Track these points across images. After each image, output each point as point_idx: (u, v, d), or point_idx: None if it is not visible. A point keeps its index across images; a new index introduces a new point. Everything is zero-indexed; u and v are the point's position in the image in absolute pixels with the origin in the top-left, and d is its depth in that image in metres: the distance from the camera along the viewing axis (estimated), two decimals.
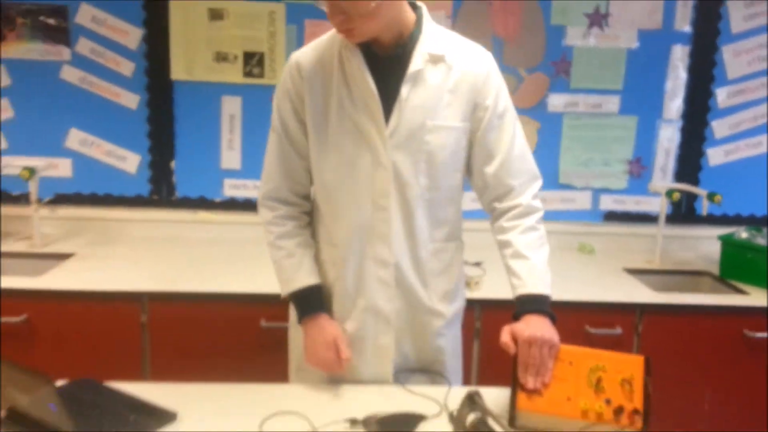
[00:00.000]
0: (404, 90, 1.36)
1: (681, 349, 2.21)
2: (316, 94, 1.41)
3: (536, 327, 1.31)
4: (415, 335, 1.51)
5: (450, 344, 1.56)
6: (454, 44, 1.42)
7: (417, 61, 1.36)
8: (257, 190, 1.62)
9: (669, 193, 2.51)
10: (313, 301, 1.48)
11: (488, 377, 2.09)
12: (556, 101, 2.69)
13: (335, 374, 1.48)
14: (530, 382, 1.28)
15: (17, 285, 2.10)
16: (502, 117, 1.44)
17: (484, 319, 2.18)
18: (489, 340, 2.17)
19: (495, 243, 1.50)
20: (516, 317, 1.38)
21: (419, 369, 1.54)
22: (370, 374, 1.51)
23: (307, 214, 1.55)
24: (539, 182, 1.49)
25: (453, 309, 1.55)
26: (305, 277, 1.48)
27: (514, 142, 1.44)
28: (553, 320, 1.36)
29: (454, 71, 1.39)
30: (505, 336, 1.33)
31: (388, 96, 1.37)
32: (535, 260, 1.41)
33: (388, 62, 1.37)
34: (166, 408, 1.32)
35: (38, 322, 2.09)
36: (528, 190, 1.46)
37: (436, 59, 1.38)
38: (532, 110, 2.70)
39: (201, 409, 1.35)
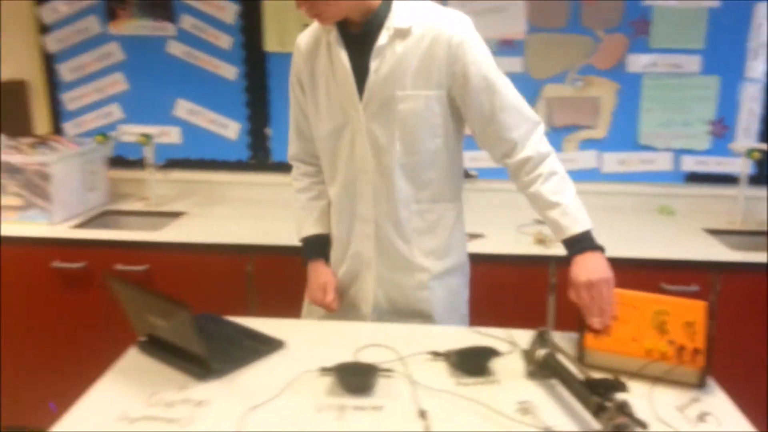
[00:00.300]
0: (372, 64, 1.49)
1: (759, 307, 2.24)
2: (310, 72, 1.60)
3: (589, 269, 1.43)
4: (400, 285, 1.68)
5: (440, 296, 1.70)
6: (425, 15, 1.49)
7: (383, 37, 1.48)
8: None
9: (750, 153, 2.51)
10: (314, 249, 1.73)
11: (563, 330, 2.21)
12: (636, 62, 2.70)
13: (329, 311, 1.70)
14: (596, 323, 1.40)
15: (140, 238, 2.41)
16: (487, 78, 1.49)
17: (559, 275, 2.29)
18: (564, 295, 2.28)
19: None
20: (568, 261, 1.50)
21: (407, 314, 1.70)
22: (354, 312, 1.71)
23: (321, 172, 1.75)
24: (541, 127, 1.55)
25: (443, 265, 1.68)
26: (310, 228, 1.74)
27: (505, 98, 1.51)
28: (603, 250, 1.49)
29: (425, 41, 1.48)
30: (571, 293, 1.47)
31: (362, 71, 1.50)
32: (565, 202, 1.51)
33: (359, 39, 1.50)
34: (275, 337, 1.55)
35: (157, 271, 2.39)
36: (531, 138, 1.53)
37: (403, 33, 1.48)
38: (611, 71, 2.73)
39: (303, 340, 1.55)
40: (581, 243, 1.48)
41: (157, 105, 2.89)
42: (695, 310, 1.38)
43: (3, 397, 2.57)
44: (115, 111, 2.91)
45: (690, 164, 2.81)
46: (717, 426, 1.23)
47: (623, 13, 2.66)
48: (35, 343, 2.50)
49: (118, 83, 2.88)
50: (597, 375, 1.24)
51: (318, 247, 1.74)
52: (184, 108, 2.88)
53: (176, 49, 2.82)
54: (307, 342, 1.55)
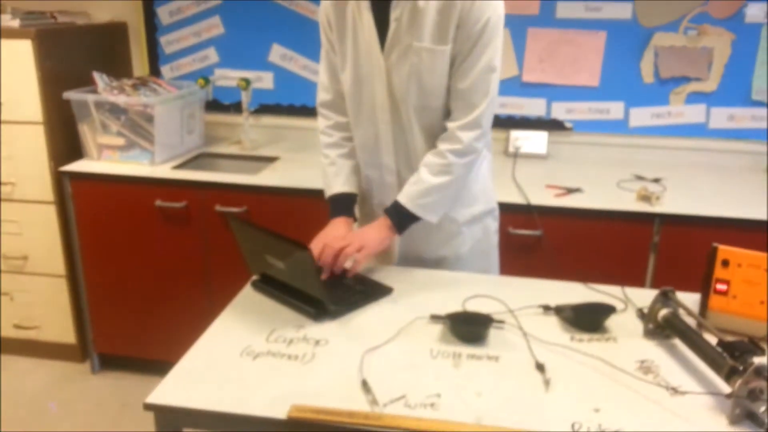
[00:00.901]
0: (393, 15, 1.49)
1: None
2: (339, 18, 1.58)
3: (353, 234, 1.60)
4: (426, 234, 1.69)
5: (467, 242, 1.74)
6: None
7: None
8: None
9: None
10: (343, 206, 1.72)
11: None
12: (755, 11, 2.52)
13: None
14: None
15: (239, 181, 2.47)
16: (478, 42, 1.48)
17: (663, 233, 2.22)
18: (666, 253, 2.22)
19: None
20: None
21: (434, 261, 1.73)
22: (379, 258, 1.71)
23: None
24: (478, 112, 1.53)
25: (470, 212, 1.71)
26: (340, 185, 1.72)
27: (476, 67, 1.49)
28: (398, 231, 1.60)
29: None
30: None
31: (387, 22, 1.51)
32: (423, 178, 1.56)
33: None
34: (384, 284, 1.57)
35: (255, 213, 2.45)
36: (464, 117, 1.53)
37: None
38: (728, 21, 2.56)
39: (410, 288, 1.57)
40: (394, 210, 1.60)
41: (252, 50, 2.91)
42: None
43: (109, 327, 2.74)
44: (211, 55, 2.95)
45: None
46: None
47: None
48: (139, 280, 2.64)
49: (214, 27, 2.91)
50: (728, 337, 1.20)
51: (345, 205, 1.73)
52: (278, 53, 2.89)
53: None
54: (415, 290, 1.57)
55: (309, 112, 2.95)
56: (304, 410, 1.11)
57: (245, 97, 2.78)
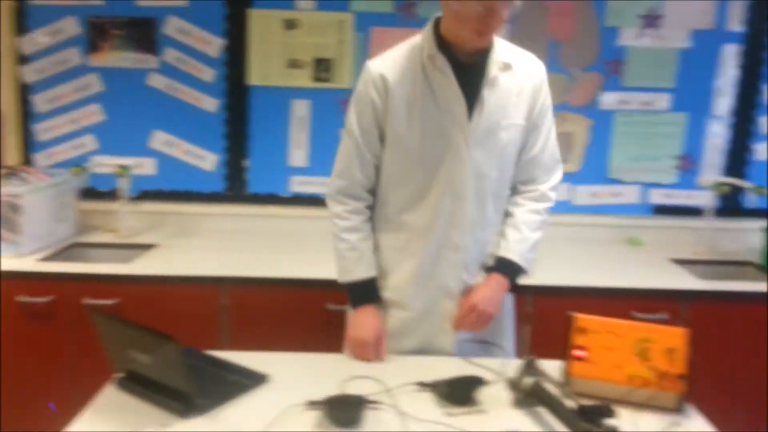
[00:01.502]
0: (485, 93, 1.56)
1: (725, 333, 2.31)
2: (401, 102, 1.58)
3: (487, 296, 1.60)
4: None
5: (505, 313, 1.76)
6: (516, 54, 1.63)
7: (494, 68, 1.57)
8: (323, 187, 1.79)
9: (716, 186, 2.60)
10: (369, 293, 1.68)
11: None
12: (609, 99, 2.80)
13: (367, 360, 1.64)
14: (457, 326, 1.62)
15: (109, 271, 2.36)
16: (545, 115, 1.66)
17: (536, 304, 2.32)
18: (541, 324, 2.32)
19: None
20: (487, 272, 1.64)
21: (478, 339, 1.70)
22: (435, 346, 1.68)
23: (369, 209, 1.72)
24: (560, 174, 1.72)
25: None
26: (365, 270, 1.67)
27: (549, 136, 1.67)
28: (516, 291, 1.67)
29: (519, 77, 1.60)
30: (468, 299, 1.61)
31: (468, 99, 1.56)
32: (526, 235, 1.65)
33: (469, 69, 1.56)
34: (258, 371, 1.52)
35: (128, 305, 2.33)
36: (549, 180, 1.69)
37: (506, 66, 1.59)
38: (585, 108, 2.82)
39: (287, 373, 1.53)
40: (508, 268, 1.63)
41: (133, 136, 2.86)
42: (675, 337, 1.41)
43: None
44: (88, 142, 2.87)
45: (658, 197, 2.89)
46: None
47: (598, 53, 2.77)
48: (6, 382, 2.40)
49: (94, 114, 2.84)
50: (585, 402, 1.25)
51: (372, 291, 1.69)
52: (160, 139, 2.86)
53: (157, 81, 2.81)
54: (291, 375, 1.53)
55: (193, 197, 2.91)
56: None
57: (123, 184, 2.70)
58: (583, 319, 1.48)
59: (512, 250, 1.63)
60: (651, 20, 2.74)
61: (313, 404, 1.38)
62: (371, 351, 1.62)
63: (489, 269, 1.63)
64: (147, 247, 2.63)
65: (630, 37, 2.76)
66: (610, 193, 2.89)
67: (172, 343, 1.30)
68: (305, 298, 2.33)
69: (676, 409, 1.38)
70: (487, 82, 1.56)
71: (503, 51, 1.60)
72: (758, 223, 2.69)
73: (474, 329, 1.60)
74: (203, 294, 2.33)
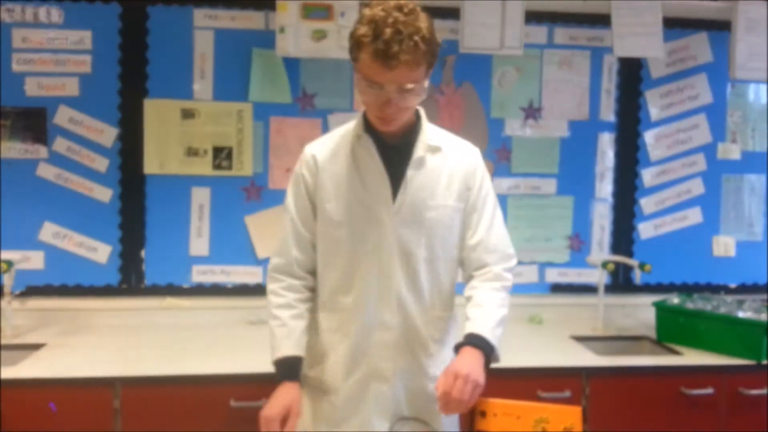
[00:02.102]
0: (409, 173, 1.60)
1: (626, 407, 2.37)
2: (329, 180, 1.63)
3: (467, 364, 1.47)
4: (412, 390, 1.66)
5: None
6: (448, 138, 1.70)
7: (419, 149, 1.62)
8: (225, 275, 1.78)
9: (604, 265, 2.75)
10: (291, 370, 1.63)
11: None
12: (500, 184, 2.94)
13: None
14: (442, 408, 1.45)
15: None
16: (485, 200, 1.68)
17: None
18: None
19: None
20: (456, 350, 1.55)
21: (413, 417, 1.66)
22: (371, 426, 1.63)
23: (309, 289, 1.71)
24: (514, 261, 1.71)
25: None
26: (290, 348, 1.63)
27: (493, 222, 1.68)
28: (488, 365, 1.53)
29: (449, 160, 1.65)
30: (444, 378, 1.46)
31: (394, 179, 1.60)
32: (489, 311, 1.59)
33: (395, 150, 1.61)
34: None
35: (11, 412, 2.12)
36: (502, 263, 1.67)
37: (434, 149, 1.64)
38: None
39: None
40: (478, 341, 1.54)
41: (20, 228, 2.70)
42: (571, 415, 1.44)
43: None
44: None
45: (553, 276, 3.03)
46: None
47: (488, 141, 2.94)
48: None
49: None
50: None
51: (294, 368, 1.64)
52: (49, 231, 2.72)
53: (47, 171, 2.70)
54: None
55: (83, 291, 2.75)
56: None
57: (7, 280, 2.52)
58: (482, 401, 1.49)
59: (477, 326, 1.56)
60: (531, 112, 2.96)
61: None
62: (275, 426, 1.52)
63: (457, 347, 1.55)
64: (35, 346, 2.44)
65: (514, 128, 2.95)
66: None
67: None
68: (208, 395, 2.20)
69: None
70: (413, 162, 1.60)
71: (433, 134, 1.66)
72: (648, 299, 2.84)
73: (464, 400, 1.42)
74: (95, 396, 2.16)
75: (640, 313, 3.00)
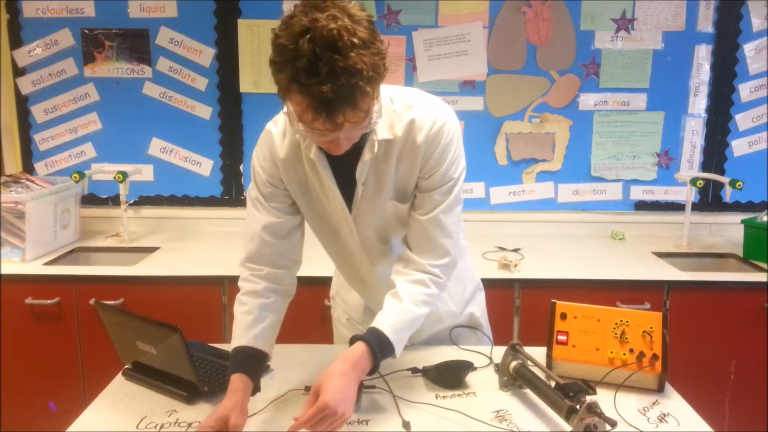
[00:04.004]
0: (359, 179, 1.38)
1: (706, 322, 2.41)
2: (296, 179, 1.44)
3: (340, 390, 1.25)
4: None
5: (478, 309, 1.79)
6: (408, 116, 1.36)
7: (367, 153, 1.34)
8: None
9: (694, 181, 2.71)
10: (245, 362, 1.39)
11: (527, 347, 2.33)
12: (587, 100, 2.91)
13: None
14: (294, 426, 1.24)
15: (115, 272, 2.44)
16: (450, 188, 1.42)
17: (523, 297, 2.42)
18: (527, 315, 2.42)
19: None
20: (351, 341, 1.36)
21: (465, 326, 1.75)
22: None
23: (291, 280, 1.54)
24: (446, 260, 1.44)
25: (462, 298, 1.74)
26: (250, 339, 1.41)
27: (450, 216, 1.43)
28: (373, 371, 1.36)
29: (408, 142, 1.37)
30: (316, 396, 1.26)
31: (350, 181, 1.39)
32: (407, 307, 1.39)
33: (347, 153, 1.30)
34: None
35: (134, 305, 2.41)
36: (437, 263, 1.43)
37: (388, 143, 1.36)
38: (565, 109, 2.92)
39: (286, 363, 1.62)
40: (376, 341, 1.35)
41: (131, 144, 2.95)
42: (652, 320, 1.51)
43: None
44: (88, 150, 2.95)
45: (638, 193, 3.00)
46: (676, 426, 1.35)
47: (575, 56, 2.88)
48: (10, 383, 2.47)
49: (91, 123, 2.93)
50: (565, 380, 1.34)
51: (249, 361, 1.39)
52: (157, 146, 2.95)
53: (152, 90, 2.90)
54: (291, 364, 1.62)
55: (190, 201, 3.00)
56: None
57: (123, 190, 2.78)
58: (562, 305, 1.58)
59: (386, 321, 1.37)
60: (624, 23, 2.86)
61: (310, 389, 1.46)
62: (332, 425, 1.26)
63: (353, 339, 1.36)
64: (150, 250, 2.72)
65: (604, 40, 2.87)
66: (593, 190, 3.00)
67: (178, 333, 1.38)
68: (301, 294, 2.40)
69: (655, 389, 1.48)
70: (359, 169, 1.36)
71: (387, 125, 1.35)
72: (736, 217, 2.80)
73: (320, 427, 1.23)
74: (206, 293, 2.42)
75: (726, 231, 2.96)
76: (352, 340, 1.36)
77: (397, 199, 1.45)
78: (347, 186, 1.41)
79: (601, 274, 2.44)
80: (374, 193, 1.42)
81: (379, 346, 1.34)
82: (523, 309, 2.43)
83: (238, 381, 1.35)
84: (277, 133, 1.42)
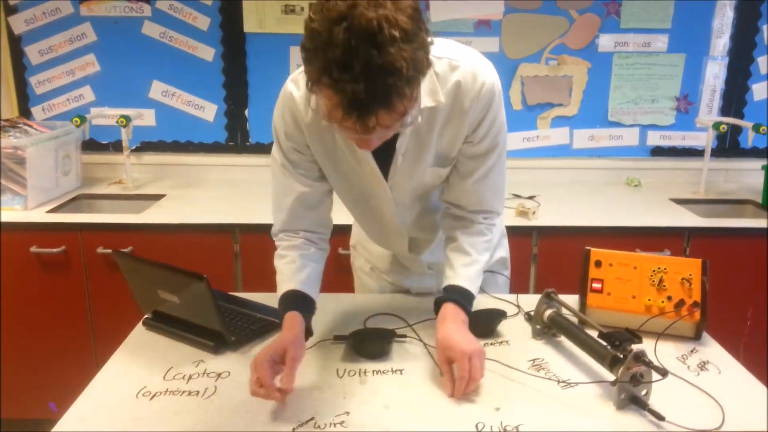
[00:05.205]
0: (399, 150, 1.30)
1: (724, 270, 2.37)
2: (318, 144, 1.34)
3: (466, 337, 1.26)
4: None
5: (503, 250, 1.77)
6: (453, 79, 1.25)
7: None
8: None
9: (716, 126, 2.64)
10: (297, 303, 1.34)
11: None
12: (606, 41, 2.80)
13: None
14: (458, 392, 1.21)
15: (122, 220, 2.37)
16: (488, 148, 1.36)
17: (541, 244, 2.38)
18: (545, 262, 2.39)
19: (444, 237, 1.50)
20: (437, 303, 1.36)
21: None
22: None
23: (324, 241, 1.47)
24: (496, 219, 1.47)
25: (498, 254, 1.73)
26: (300, 284, 1.36)
27: (497, 176, 1.41)
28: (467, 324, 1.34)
29: (454, 107, 1.27)
30: (447, 355, 1.25)
31: (386, 149, 1.27)
32: (475, 258, 1.39)
33: None
34: None
35: (142, 253, 2.34)
36: (489, 216, 1.44)
37: (431, 110, 1.26)
38: (583, 51, 2.82)
39: None
40: (462, 296, 1.35)
41: (130, 87, 2.83)
42: (691, 267, 1.46)
43: None
44: (86, 94, 2.83)
45: (655, 139, 2.94)
46: (718, 374, 1.32)
47: None
48: (16, 333, 2.43)
49: (89, 65, 2.80)
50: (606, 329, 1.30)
51: (300, 302, 1.35)
52: (158, 90, 2.83)
53: (152, 29, 2.76)
54: (317, 314, 1.57)
55: (194, 148, 2.90)
56: None
57: (125, 135, 2.68)
58: (597, 252, 1.53)
59: (462, 276, 1.37)
60: None
61: (339, 339, 1.42)
62: (263, 373, 1.18)
63: (438, 301, 1.36)
64: (155, 197, 2.64)
65: None
66: (609, 135, 2.93)
67: (204, 281, 1.33)
68: None
69: (693, 337, 1.45)
70: (402, 140, 1.29)
71: (429, 91, 1.24)
72: (755, 163, 2.75)
73: (479, 378, 1.23)
74: (217, 241, 2.36)
75: (744, 177, 2.91)
76: (438, 303, 1.36)
77: (437, 164, 1.38)
78: (383, 154, 1.30)
79: (619, 221, 2.40)
80: (414, 161, 1.35)
81: (467, 300, 1.36)
82: (540, 256, 2.39)
83: (293, 318, 1.30)
84: (299, 97, 1.28)
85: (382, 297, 1.70)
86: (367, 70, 0.96)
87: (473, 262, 1.39)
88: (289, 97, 1.30)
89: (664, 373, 1.14)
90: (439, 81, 1.25)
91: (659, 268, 1.47)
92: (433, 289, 1.68)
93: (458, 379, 1.21)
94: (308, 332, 1.34)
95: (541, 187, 2.78)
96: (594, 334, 1.33)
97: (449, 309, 1.33)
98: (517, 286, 2.23)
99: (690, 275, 1.45)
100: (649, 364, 1.15)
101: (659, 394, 1.19)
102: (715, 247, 2.38)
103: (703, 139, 2.79)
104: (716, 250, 2.38)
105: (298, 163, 1.37)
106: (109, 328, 1.54)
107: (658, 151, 2.95)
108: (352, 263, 1.86)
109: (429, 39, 1.05)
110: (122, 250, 2.31)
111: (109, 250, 2.32)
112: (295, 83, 1.30)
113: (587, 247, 1.54)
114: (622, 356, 1.19)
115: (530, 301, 1.62)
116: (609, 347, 1.23)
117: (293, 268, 1.38)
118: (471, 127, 1.31)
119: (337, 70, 0.97)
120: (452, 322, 1.30)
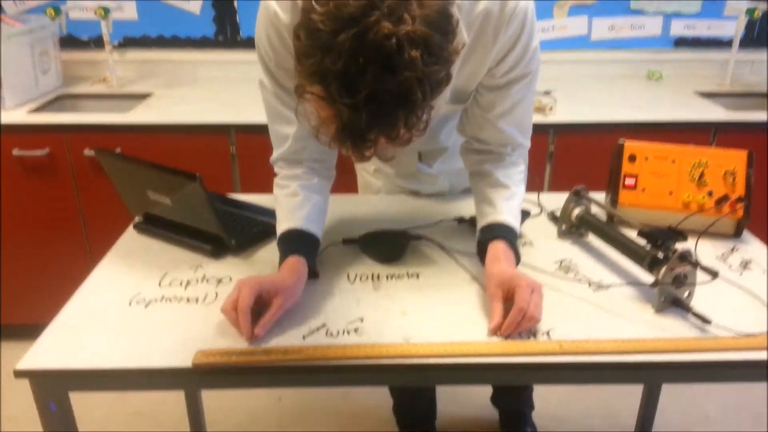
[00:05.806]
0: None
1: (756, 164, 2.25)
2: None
3: (520, 274, 1.09)
4: None
5: None
6: (479, 7, 1.06)
7: None
8: None
9: (751, 12, 2.42)
10: (298, 245, 1.18)
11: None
12: None
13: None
14: (512, 325, 1.02)
15: (109, 120, 2.20)
16: (530, 82, 1.19)
17: (557, 142, 2.23)
18: (561, 160, 2.25)
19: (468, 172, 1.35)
20: (481, 244, 1.20)
21: None
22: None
23: (329, 168, 1.30)
24: (523, 151, 1.33)
25: None
26: (302, 221, 1.20)
27: (524, 110, 1.26)
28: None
29: (480, 39, 1.09)
30: (500, 289, 1.07)
31: None
32: (515, 191, 1.26)
33: None
34: None
35: (131, 154, 2.19)
36: (513, 149, 1.29)
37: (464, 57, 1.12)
38: None
39: None
40: (509, 233, 1.19)
41: None
42: (735, 159, 1.33)
43: None
44: None
45: (679, 29, 2.71)
46: (762, 273, 1.22)
47: None
48: (4, 240, 2.32)
49: None
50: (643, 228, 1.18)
51: (302, 243, 1.18)
52: None
53: None
54: None
55: (180, 43, 2.67)
56: (211, 355, 0.99)
57: (105, 29, 2.45)
58: (632, 145, 1.39)
59: (504, 211, 1.21)
60: None
61: (349, 241, 1.31)
62: (242, 315, 1.01)
63: (482, 241, 1.19)
64: (141, 96, 2.46)
65: None
66: (630, 25, 2.70)
67: (197, 181, 1.19)
68: None
69: (732, 234, 1.33)
70: None
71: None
72: None
73: (538, 318, 1.04)
74: (212, 142, 2.20)
75: None
76: (482, 246, 1.18)
77: (454, 101, 1.23)
78: None
79: (641, 117, 2.23)
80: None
81: (515, 239, 1.19)
82: (556, 155, 2.25)
83: (296, 264, 1.12)
84: (288, 23, 1.05)
85: (389, 198, 1.57)
86: (372, 97, 0.78)
87: (512, 195, 1.24)
88: (273, 17, 1.07)
89: (714, 274, 1.03)
90: (463, 14, 1.03)
91: (700, 162, 1.34)
92: (446, 191, 1.55)
93: (515, 309, 1.01)
94: (313, 274, 1.19)
95: (558, 81, 2.59)
96: (628, 233, 1.21)
97: (500, 248, 1.14)
98: (532, 185, 2.11)
99: (734, 168, 1.32)
100: (697, 264, 1.04)
101: (699, 295, 1.08)
102: (742, 142, 2.21)
103: (730, 29, 2.58)
104: (744, 146, 2.21)
105: (292, 92, 1.13)
106: (104, 231, 1.43)
107: (681, 42, 2.73)
108: (355, 163, 1.71)
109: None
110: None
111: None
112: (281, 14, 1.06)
113: (621, 140, 1.40)
114: (664, 256, 1.08)
115: (551, 199, 1.50)
116: (649, 246, 1.12)
117: (294, 202, 1.21)
118: (496, 60, 1.13)
119: (336, 85, 0.78)
120: (508, 264, 1.12)
